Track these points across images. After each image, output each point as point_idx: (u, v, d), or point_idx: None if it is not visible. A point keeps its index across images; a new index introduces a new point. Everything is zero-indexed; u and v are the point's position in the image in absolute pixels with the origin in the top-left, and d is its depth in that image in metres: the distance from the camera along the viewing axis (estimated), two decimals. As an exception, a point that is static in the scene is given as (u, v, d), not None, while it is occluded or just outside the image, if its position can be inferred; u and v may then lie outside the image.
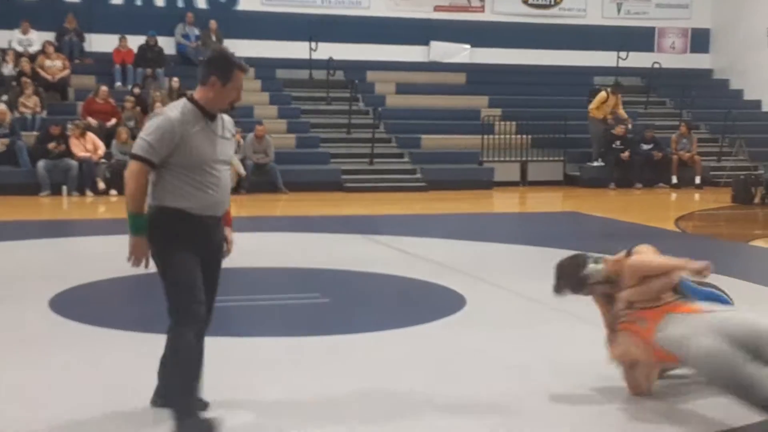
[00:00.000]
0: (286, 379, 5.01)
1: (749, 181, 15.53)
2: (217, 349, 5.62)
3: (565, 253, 9.70)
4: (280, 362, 5.36)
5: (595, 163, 17.89)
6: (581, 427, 4.30)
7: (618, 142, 17.69)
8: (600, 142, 17.86)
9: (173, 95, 17.01)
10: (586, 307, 5.75)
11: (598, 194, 16.55)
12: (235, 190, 15.45)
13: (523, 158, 17.93)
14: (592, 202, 15.35)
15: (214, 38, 18.97)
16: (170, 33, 18.82)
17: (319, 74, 19.17)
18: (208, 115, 4.11)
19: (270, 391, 4.79)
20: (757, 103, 21.08)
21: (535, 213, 14.67)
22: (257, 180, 15.64)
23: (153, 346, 5.66)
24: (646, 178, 17.65)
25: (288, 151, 16.75)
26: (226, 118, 4.32)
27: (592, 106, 18.06)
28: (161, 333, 5.88)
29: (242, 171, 15.48)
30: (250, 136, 15.89)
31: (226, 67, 4.11)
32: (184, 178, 4.04)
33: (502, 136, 18.02)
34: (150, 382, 4.89)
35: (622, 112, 18.11)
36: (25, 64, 16.73)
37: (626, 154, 17.46)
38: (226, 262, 9.18)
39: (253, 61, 19.05)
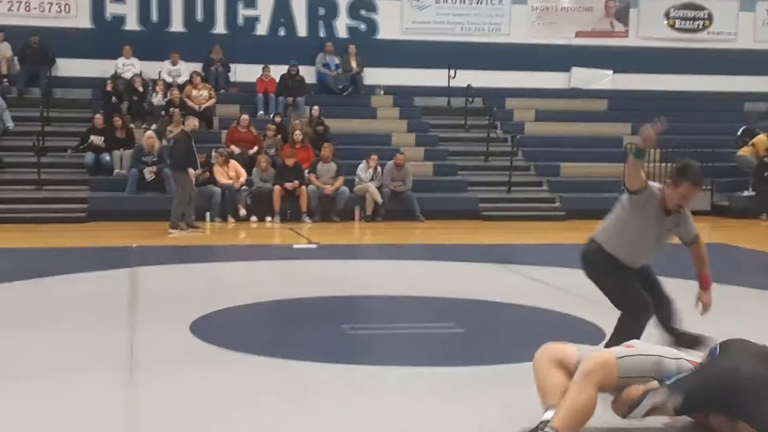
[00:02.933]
0: (418, 408, 4.93)
1: None
2: (352, 377, 5.60)
3: (713, 287, 9.27)
4: (412, 391, 5.28)
5: (746, 193, 17.09)
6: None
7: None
8: (755, 173, 17.06)
9: (312, 123, 17.31)
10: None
11: (749, 225, 15.79)
12: (372, 217, 15.55)
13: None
14: (742, 233, 14.64)
15: (354, 64, 19.23)
16: (311, 62, 19.19)
17: (458, 102, 19.12)
18: (664, 208, 5.36)
19: (401, 418, 4.72)
20: None
21: (679, 244, 14.09)
22: (394, 208, 15.67)
23: (292, 371, 5.71)
24: (804, 208, 16.73)
25: (425, 178, 16.73)
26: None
27: (759, 148, 17.21)
28: (299, 359, 5.95)
29: (379, 199, 15.55)
30: (390, 164, 15.95)
31: (679, 175, 5.23)
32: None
33: (646, 164, 17.45)
34: (290, 407, 4.89)
35: None
36: (174, 94, 17.38)
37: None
38: (363, 291, 9.24)
39: (391, 89, 19.30)
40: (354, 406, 4.97)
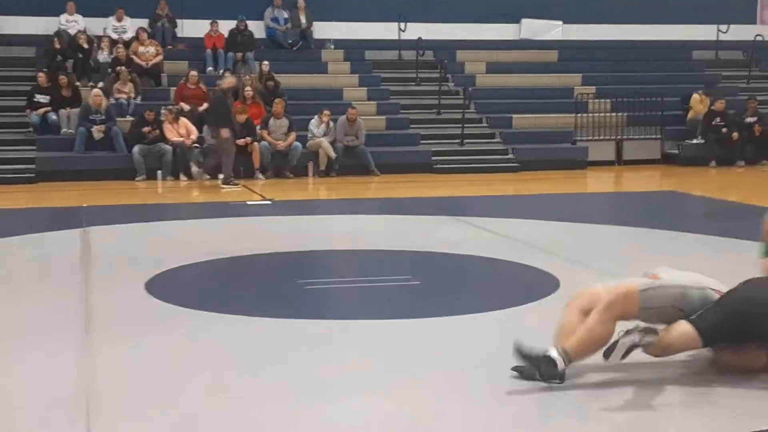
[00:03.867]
0: (377, 360, 4.95)
1: None
2: (311, 332, 5.61)
3: (665, 234, 9.44)
4: (371, 345, 5.30)
5: (695, 141, 17.33)
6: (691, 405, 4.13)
7: (718, 119, 17.10)
8: (702, 121, 17.32)
9: (263, 79, 17.13)
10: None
11: (698, 173, 16.04)
12: (326, 173, 15.50)
13: (619, 136, 17.48)
14: (692, 181, 14.87)
15: (303, 19, 19.01)
16: (260, 17, 18.93)
17: (409, 55, 19.03)
18: None
19: (361, 371, 4.75)
20: None
21: (631, 193, 14.30)
22: (348, 163, 15.63)
23: (250, 328, 5.70)
24: (749, 155, 17.02)
25: (378, 132, 16.68)
26: None
27: (696, 108, 17.69)
28: (257, 315, 5.95)
29: (332, 154, 15.49)
30: (342, 119, 15.86)
31: None
32: None
33: (597, 114, 17.60)
34: (248, 362, 4.89)
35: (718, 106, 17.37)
36: (120, 51, 17.04)
37: (735, 134, 16.85)
38: (318, 246, 9.24)
39: (342, 43, 19.14)
40: (314, 360, 4.98)
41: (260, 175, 15.18)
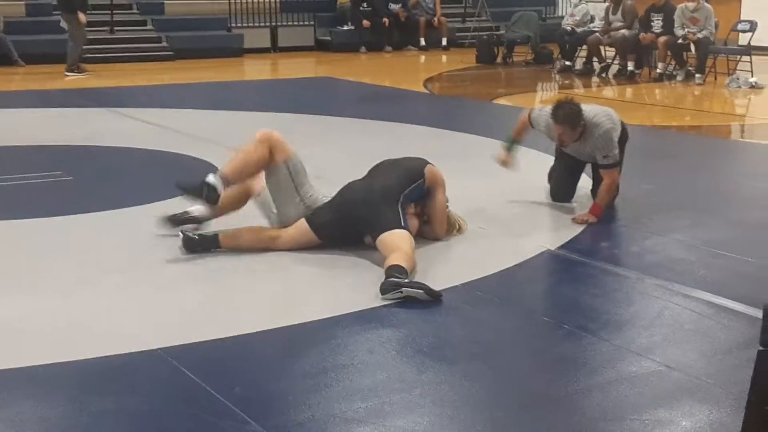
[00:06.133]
0: (31, 261, 4.68)
1: (492, 41, 16.05)
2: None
3: (322, 119, 9.70)
4: (20, 245, 5.00)
5: (346, 27, 17.81)
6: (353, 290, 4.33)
7: (365, 4, 17.65)
8: (351, 8, 17.77)
9: None
10: (335, 170, 5.71)
11: (350, 59, 16.55)
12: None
13: (273, 23, 17.53)
14: (344, 66, 15.33)
15: None
16: None
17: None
18: None
19: (8, 271, 4.47)
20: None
21: (287, 79, 14.47)
22: (-15, 53, 14.32)
23: None
24: (396, 41, 17.82)
25: (18, 19, 15.40)
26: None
27: None
28: None
29: (-34, 43, 14.11)
30: (-27, 3, 14.44)
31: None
32: None
33: (251, 1, 17.47)
34: None
35: None
36: None
37: (385, 20, 17.45)
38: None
39: None
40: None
41: None
